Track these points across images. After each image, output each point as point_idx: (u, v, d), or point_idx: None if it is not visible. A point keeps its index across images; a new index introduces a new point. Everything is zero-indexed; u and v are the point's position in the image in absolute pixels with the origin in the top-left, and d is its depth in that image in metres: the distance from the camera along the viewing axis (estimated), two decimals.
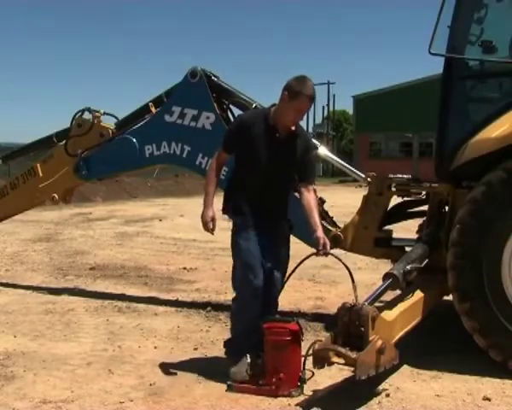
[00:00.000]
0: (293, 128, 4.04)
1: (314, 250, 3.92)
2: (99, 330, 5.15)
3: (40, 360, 4.37)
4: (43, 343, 4.78)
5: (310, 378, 3.80)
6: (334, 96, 52.62)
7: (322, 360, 3.52)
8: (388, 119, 39.75)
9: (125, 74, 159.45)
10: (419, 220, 5.36)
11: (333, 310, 4.34)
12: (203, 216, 4.04)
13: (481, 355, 4.11)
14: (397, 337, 3.89)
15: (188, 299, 6.34)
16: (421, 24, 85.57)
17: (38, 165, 6.44)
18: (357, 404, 3.57)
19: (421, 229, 5.26)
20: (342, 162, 6.02)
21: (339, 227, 5.29)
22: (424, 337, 4.62)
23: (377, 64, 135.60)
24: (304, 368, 3.75)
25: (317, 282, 7.22)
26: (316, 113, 50.12)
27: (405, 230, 5.59)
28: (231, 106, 5.75)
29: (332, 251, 3.97)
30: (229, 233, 4.06)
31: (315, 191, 4.25)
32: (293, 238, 4.33)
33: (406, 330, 4.04)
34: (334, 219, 5.47)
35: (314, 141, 5.36)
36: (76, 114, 6.25)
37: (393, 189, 5.09)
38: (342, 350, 3.42)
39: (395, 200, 5.24)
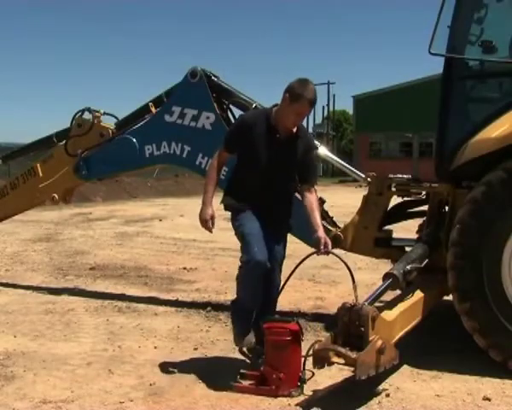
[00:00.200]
0: (294, 130, 4.04)
1: (314, 250, 3.93)
2: (99, 330, 5.14)
3: (40, 360, 4.37)
4: (43, 343, 4.77)
5: (310, 378, 3.80)
6: (334, 96, 52.69)
7: (322, 360, 3.52)
8: (388, 119, 39.75)
9: (125, 74, 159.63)
10: (419, 220, 5.36)
11: (333, 310, 4.35)
12: (202, 214, 4.03)
13: (481, 355, 4.11)
14: (397, 337, 3.89)
15: (188, 299, 6.33)
16: (421, 24, 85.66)
17: (38, 165, 6.44)
18: (357, 404, 3.56)
19: (421, 229, 5.26)
20: (342, 162, 6.02)
21: (339, 227, 5.29)
22: (424, 337, 4.61)
23: (377, 64, 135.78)
24: (304, 368, 3.74)
25: (317, 282, 7.21)
26: (316, 113, 50.16)
27: (405, 230, 5.59)
28: (231, 106, 5.75)
29: (333, 251, 3.97)
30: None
31: (315, 192, 4.25)
32: (293, 238, 4.33)
33: (406, 330, 4.04)
34: (334, 219, 5.47)
35: (315, 141, 5.36)
36: (76, 114, 6.25)
37: (393, 189, 5.09)
38: (342, 350, 3.42)
39: (395, 200, 5.24)
